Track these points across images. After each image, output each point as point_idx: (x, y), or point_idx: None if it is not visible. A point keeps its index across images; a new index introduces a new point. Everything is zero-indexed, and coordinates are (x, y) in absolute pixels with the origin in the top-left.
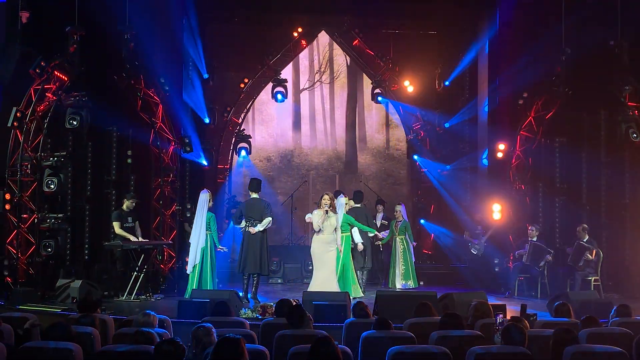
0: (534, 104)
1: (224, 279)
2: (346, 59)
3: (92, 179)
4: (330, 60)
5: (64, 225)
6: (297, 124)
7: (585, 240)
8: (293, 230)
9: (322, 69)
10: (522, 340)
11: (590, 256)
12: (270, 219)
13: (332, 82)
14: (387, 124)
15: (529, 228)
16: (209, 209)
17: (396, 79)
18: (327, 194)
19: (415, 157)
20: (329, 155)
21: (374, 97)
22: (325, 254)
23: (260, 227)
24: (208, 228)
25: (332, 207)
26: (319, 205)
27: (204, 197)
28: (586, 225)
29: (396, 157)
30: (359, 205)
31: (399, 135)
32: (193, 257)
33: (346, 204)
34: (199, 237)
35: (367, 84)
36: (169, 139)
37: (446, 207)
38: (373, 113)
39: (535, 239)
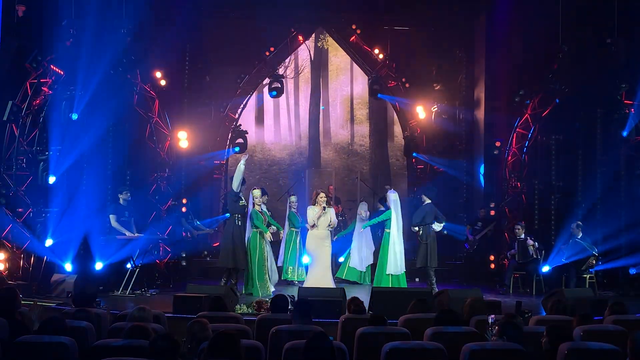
0: (530, 101)
1: None
2: (310, 54)
3: (88, 174)
4: (295, 54)
5: (60, 219)
6: (260, 118)
7: (579, 237)
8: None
9: (287, 64)
10: (517, 337)
11: (593, 262)
12: None
13: (296, 77)
14: (352, 119)
15: (515, 227)
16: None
17: (393, 75)
18: (322, 192)
19: (414, 154)
20: (292, 150)
21: (372, 93)
22: (320, 250)
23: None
24: (254, 226)
25: (328, 204)
26: (314, 203)
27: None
28: (580, 222)
29: (360, 153)
30: (430, 201)
31: (363, 131)
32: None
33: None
34: None
35: (331, 79)
36: (165, 134)
37: (442, 204)
38: (337, 108)
39: (522, 236)
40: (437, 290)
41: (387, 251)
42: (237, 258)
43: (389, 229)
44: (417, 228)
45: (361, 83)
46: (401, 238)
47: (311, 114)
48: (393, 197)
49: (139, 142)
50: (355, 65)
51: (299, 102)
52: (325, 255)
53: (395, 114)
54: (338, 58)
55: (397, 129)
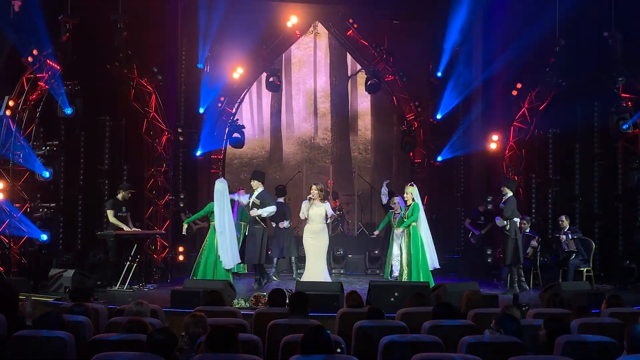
0: (527, 95)
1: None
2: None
3: (85, 169)
4: None
5: (57, 214)
6: None
7: (566, 229)
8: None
9: None
10: (515, 330)
11: (569, 246)
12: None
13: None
14: (315, 112)
15: (521, 221)
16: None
17: (390, 69)
18: (315, 184)
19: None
20: (254, 144)
21: (368, 87)
22: (315, 244)
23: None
24: (243, 218)
25: (320, 197)
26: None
27: (221, 187)
28: (567, 215)
29: (322, 147)
30: (511, 193)
31: (326, 124)
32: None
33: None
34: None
35: (294, 72)
36: (162, 129)
37: (440, 198)
38: (300, 101)
39: (528, 230)
40: (516, 290)
41: (423, 245)
42: (261, 254)
43: (416, 222)
44: (505, 222)
45: (324, 75)
46: (429, 231)
47: (272, 107)
48: (415, 191)
49: (136, 137)
50: (318, 57)
51: (261, 95)
52: (321, 249)
53: (358, 108)
54: (300, 51)
55: (362, 123)
